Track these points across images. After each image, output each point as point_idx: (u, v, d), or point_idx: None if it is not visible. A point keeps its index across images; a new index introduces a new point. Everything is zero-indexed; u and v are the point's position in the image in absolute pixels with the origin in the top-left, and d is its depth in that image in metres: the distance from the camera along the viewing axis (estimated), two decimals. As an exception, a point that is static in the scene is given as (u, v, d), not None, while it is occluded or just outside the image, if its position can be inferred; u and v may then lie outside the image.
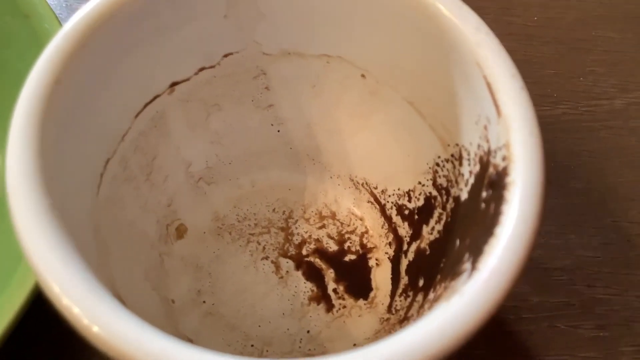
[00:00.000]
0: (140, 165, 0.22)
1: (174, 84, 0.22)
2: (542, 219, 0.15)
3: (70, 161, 0.17)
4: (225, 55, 0.22)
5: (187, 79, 0.22)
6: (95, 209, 0.19)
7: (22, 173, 0.15)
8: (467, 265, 0.16)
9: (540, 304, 0.26)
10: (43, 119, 0.16)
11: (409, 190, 0.23)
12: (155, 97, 0.21)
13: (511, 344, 0.25)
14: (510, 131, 0.16)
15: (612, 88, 0.33)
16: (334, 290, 0.24)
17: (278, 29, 0.22)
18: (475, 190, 0.18)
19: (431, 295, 0.19)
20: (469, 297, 0.14)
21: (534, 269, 0.26)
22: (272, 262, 0.25)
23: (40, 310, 0.21)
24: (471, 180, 0.18)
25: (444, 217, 0.21)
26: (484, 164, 0.17)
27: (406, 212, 0.24)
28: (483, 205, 0.17)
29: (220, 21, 0.21)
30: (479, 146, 0.18)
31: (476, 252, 0.15)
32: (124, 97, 0.20)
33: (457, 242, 0.19)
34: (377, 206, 0.25)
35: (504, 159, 0.16)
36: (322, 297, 0.24)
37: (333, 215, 0.26)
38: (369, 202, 0.26)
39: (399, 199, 0.24)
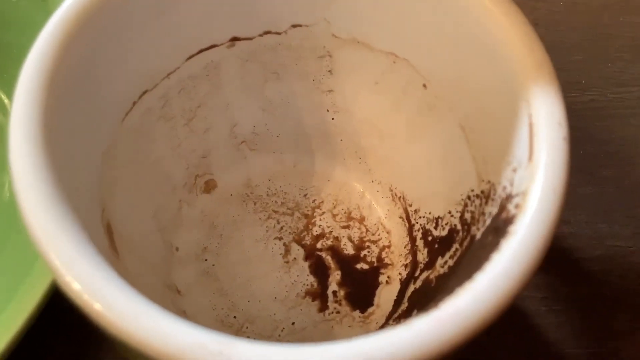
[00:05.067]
0: (182, 109, 0.22)
1: (234, 39, 0.22)
2: (533, 276, 0.13)
3: (96, 85, 0.17)
4: (294, 26, 0.22)
5: (250, 38, 0.22)
6: (115, 133, 0.19)
7: (25, 101, 0.15)
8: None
9: (571, 295, 0.25)
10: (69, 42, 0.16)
11: (439, 217, 0.22)
12: (212, 46, 0.21)
13: (542, 335, 0.24)
14: (534, 181, 0.14)
15: (641, 75, 0.31)
16: (334, 293, 0.23)
17: (351, 13, 0.21)
18: (485, 233, 0.16)
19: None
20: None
21: (563, 260, 0.25)
22: (284, 244, 0.24)
23: (54, 309, 0.21)
24: (487, 222, 0.17)
25: (457, 254, 0.20)
26: (501, 208, 0.16)
27: (429, 238, 0.22)
28: (483, 250, 0.15)
29: (295, -11, 0.21)
30: (504, 188, 0.16)
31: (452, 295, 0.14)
32: (175, 38, 0.20)
33: (454, 282, 0.17)
34: (407, 224, 0.24)
35: (516, 206, 0.14)
36: (319, 295, 0.23)
37: (361, 220, 0.25)
38: (400, 217, 0.24)
39: (427, 223, 0.23)
